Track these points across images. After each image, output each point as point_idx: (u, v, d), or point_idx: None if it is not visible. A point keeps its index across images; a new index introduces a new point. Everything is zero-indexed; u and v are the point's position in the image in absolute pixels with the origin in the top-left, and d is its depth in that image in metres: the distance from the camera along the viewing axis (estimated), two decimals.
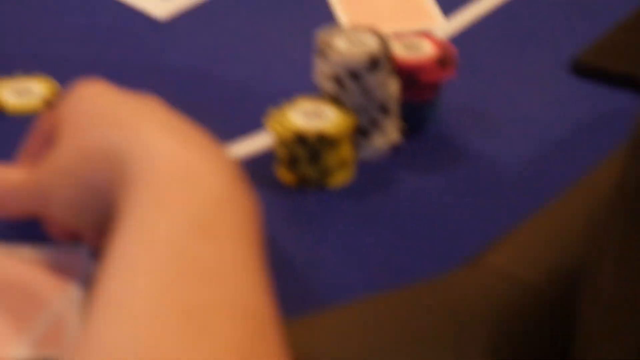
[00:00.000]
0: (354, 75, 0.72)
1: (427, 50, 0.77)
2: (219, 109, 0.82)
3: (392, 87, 0.74)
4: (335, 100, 0.73)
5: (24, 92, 0.81)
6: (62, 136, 0.62)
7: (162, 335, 0.47)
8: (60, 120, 0.64)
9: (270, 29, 0.91)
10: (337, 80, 0.73)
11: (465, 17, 0.91)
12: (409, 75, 0.76)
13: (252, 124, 0.79)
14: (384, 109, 0.74)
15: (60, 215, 0.62)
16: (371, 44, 0.73)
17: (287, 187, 0.73)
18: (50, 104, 0.81)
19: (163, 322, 0.47)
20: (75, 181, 0.60)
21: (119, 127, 0.58)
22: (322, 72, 0.74)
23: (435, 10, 0.92)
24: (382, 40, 0.74)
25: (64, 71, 0.85)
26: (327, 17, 0.92)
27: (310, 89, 0.77)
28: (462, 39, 0.88)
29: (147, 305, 0.48)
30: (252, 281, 0.51)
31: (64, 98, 0.65)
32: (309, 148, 0.71)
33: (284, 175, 0.73)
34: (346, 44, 0.73)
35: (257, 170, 0.69)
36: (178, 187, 0.54)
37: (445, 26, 0.90)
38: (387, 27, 0.87)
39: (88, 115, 0.61)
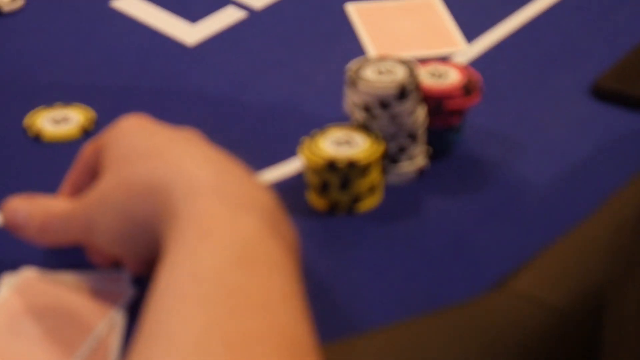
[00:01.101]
0: (383, 104, 0.75)
1: (452, 78, 0.79)
2: (250, 136, 0.84)
3: (419, 115, 0.77)
4: (365, 128, 0.76)
5: (61, 121, 0.84)
6: (106, 168, 0.65)
7: None
8: (103, 152, 0.66)
9: (298, 58, 0.93)
10: (367, 109, 0.75)
11: (486, 41, 0.94)
12: (435, 102, 0.78)
13: (282, 151, 0.81)
14: (411, 136, 0.77)
15: (103, 245, 0.64)
16: (399, 73, 0.76)
17: (318, 212, 0.76)
18: (87, 132, 0.83)
19: (210, 354, 0.49)
20: (119, 213, 0.62)
21: (162, 160, 0.61)
22: (352, 101, 0.76)
23: (457, 36, 0.94)
24: (410, 69, 0.76)
25: (100, 99, 0.88)
26: (353, 44, 0.94)
27: (340, 118, 0.79)
28: (485, 63, 0.91)
29: (195, 337, 0.50)
30: (295, 310, 0.53)
31: (106, 130, 0.68)
32: (340, 174, 0.74)
33: (315, 200, 0.75)
34: (375, 74, 0.76)
35: (288, 195, 0.71)
36: (221, 221, 0.56)
37: (468, 51, 0.92)
38: (410, 53, 0.90)
39: (132, 148, 0.64)
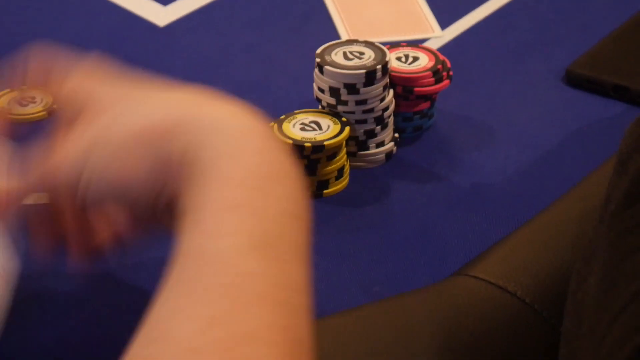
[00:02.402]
0: (351, 88, 0.74)
1: (422, 62, 0.79)
2: None
3: (387, 99, 0.76)
4: (332, 113, 0.75)
5: (27, 101, 0.83)
6: (95, 115, 0.58)
7: None
8: (87, 100, 0.59)
9: (270, 41, 0.92)
10: (335, 94, 0.75)
11: (459, 27, 0.93)
12: (404, 86, 0.78)
13: None
14: (379, 121, 0.76)
15: (96, 194, 0.57)
16: (368, 58, 0.75)
17: None
18: (53, 113, 0.82)
19: (197, 354, 0.45)
20: (131, 149, 0.55)
21: (204, 104, 0.55)
22: (319, 85, 0.75)
23: (432, 21, 0.93)
24: (379, 53, 0.75)
25: None
26: (326, 28, 0.94)
27: (309, 102, 0.78)
28: (457, 48, 0.90)
29: (192, 338, 0.46)
30: (304, 305, 0.49)
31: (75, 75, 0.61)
32: (306, 159, 0.73)
33: None
34: (343, 58, 0.75)
35: None
36: (253, 195, 0.50)
37: (440, 37, 0.92)
38: (384, 38, 0.89)
39: (132, 95, 0.58)
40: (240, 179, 0.50)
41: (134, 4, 0.97)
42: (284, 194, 0.51)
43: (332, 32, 0.93)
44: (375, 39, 0.83)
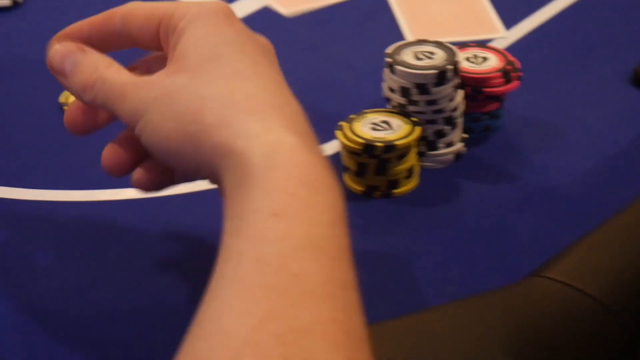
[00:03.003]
0: (422, 89, 0.74)
1: (491, 63, 0.79)
2: None
3: (457, 99, 0.76)
4: (403, 113, 0.75)
5: None
6: (179, 65, 0.59)
7: None
8: (174, 37, 0.60)
9: (333, 38, 0.93)
10: (405, 94, 0.75)
11: (525, 27, 0.93)
12: (473, 87, 0.78)
13: (318, 133, 0.81)
14: (449, 121, 0.76)
15: (144, 140, 0.59)
16: (438, 58, 0.75)
17: (354, 194, 0.75)
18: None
19: (263, 350, 0.47)
20: (185, 129, 0.57)
21: (253, 113, 0.56)
22: (390, 85, 0.76)
23: (496, 21, 0.93)
24: (449, 53, 0.76)
25: None
26: (389, 27, 0.94)
27: (377, 100, 0.79)
28: (523, 49, 0.90)
29: (248, 332, 0.48)
30: (354, 300, 0.51)
31: (181, 10, 0.60)
32: (377, 158, 0.73)
33: (352, 183, 0.75)
34: (414, 58, 0.75)
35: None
36: (298, 199, 0.52)
37: (505, 37, 0.92)
38: (448, 38, 0.89)
39: (218, 59, 0.58)
40: (282, 187, 0.52)
41: None
42: (324, 200, 0.53)
43: (395, 31, 0.93)
44: (439, 39, 0.83)
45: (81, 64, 0.63)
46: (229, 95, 0.57)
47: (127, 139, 0.64)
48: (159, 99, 0.58)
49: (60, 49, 0.64)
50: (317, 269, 0.50)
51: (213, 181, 0.59)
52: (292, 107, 0.59)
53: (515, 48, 0.90)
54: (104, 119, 0.66)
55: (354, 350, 0.49)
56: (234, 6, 0.97)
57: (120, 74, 0.61)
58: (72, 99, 0.83)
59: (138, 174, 0.63)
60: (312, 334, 0.48)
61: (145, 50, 0.65)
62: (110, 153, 0.64)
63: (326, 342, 0.48)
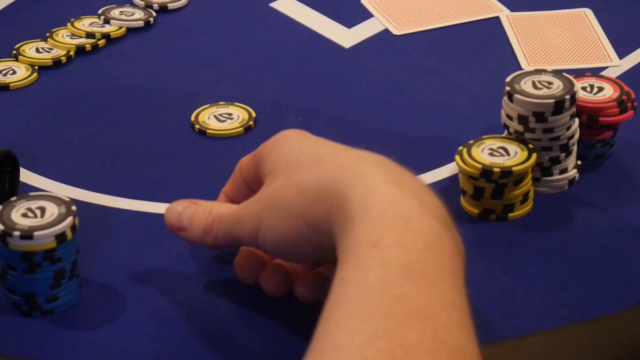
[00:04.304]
0: (539, 116, 0.77)
1: (607, 92, 0.81)
2: (405, 140, 0.87)
3: (573, 128, 0.79)
4: (520, 139, 0.78)
5: (225, 117, 0.88)
6: (271, 174, 0.67)
7: None
8: (264, 160, 0.69)
9: (449, 64, 0.96)
10: (523, 121, 0.78)
11: (638, 57, 0.95)
12: (589, 116, 0.80)
13: (434, 156, 0.84)
14: (564, 148, 0.79)
15: (270, 246, 0.66)
16: (557, 87, 0.78)
17: (470, 217, 0.78)
18: (248, 128, 0.87)
19: None
20: (290, 212, 0.64)
21: (337, 164, 0.63)
22: (508, 112, 0.79)
23: (610, 50, 0.95)
24: (567, 83, 0.78)
25: (259, 98, 0.92)
26: (504, 54, 0.97)
27: (493, 125, 0.81)
28: (635, 78, 0.92)
29: (359, 348, 0.52)
30: (458, 319, 0.55)
31: (265, 143, 0.70)
32: (494, 183, 0.76)
33: (468, 206, 0.78)
34: (532, 87, 0.78)
35: (441, 199, 0.74)
36: (393, 230, 0.58)
37: (618, 66, 0.94)
38: (562, 66, 0.92)
39: (300, 153, 0.66)
40: (378, 222, 0.59)
41: (320, 25, 1.02)
42: (417, 229, 0.58)
43: (510, 58, 0.96)
44: (553, 67, 0.86)
45: (196, 213, 0.70)
46: (322, 168, 0.64)
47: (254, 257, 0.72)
48: (267, 206, 0.66)
49: (174, 207, 0.71)
50: (417, 292, 0.55)
51: (331, 254, 0.64)
52: (375, 155, 0.64)
53: (628, 76, 0.92)
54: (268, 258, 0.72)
55: None
56: (353, 30, 1.01)
57: (230, 207, 0.69)
58: (202, 116, 0.88)
59: (268, 281, 0.70)
60: (418, 351, 0.53)
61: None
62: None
63: (430, 358, 0.52)
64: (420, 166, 0.83)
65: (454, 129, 0.87)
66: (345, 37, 1.00)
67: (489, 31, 1.00)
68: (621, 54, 0.95)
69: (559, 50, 0.96)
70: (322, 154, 0.65)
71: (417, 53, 0.98)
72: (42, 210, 0.68)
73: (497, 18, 1.01)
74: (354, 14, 1.03)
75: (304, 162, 0.65)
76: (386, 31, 1.01)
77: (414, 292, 0.55)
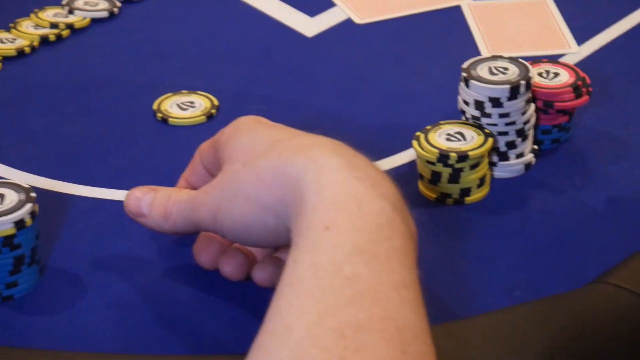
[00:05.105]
0: (495, 102, 0.78)
1: (562, 78, 0.82)
2: (367, 126, 0.88)
3: (529, 113, 0.80)
4: (476, 125, 0.79)
5: (187, 106, 0.89)
6: (229, 160, 0.68)
7: (315, 353, 0.53)
8: (223, 146, 0.70)
9: (412, 52, 0.97)
10: (479, 107, 0.79)
11: (595, 44, 0.96)
12: (544, 101, 0.81)
13: (395, 142, 0.85)
14: (521, 133, 0.80)
15: (228, 230, 0.67)
16: (512, 73, 0.79)
17: (428, 201, 0.79)
18: (211, 117, 0.88)
19: (323, 343, 0.53)
20: (248, 197, 0.65)
21: (295, 150, 0.63)
22: (465, 98, 0.80)
23: (568, 37, 0.97)
24: (522, 69, 0.79)
25: (223, 87, 0.92)
26: (466, 41, 0.98)
27: (452, 112, 0.83)
28: (593, 65, 0.93)
29: (309, 328, 0.54)
30: (408, 298, 0.56)
31: (223, 129, 0.71)
32: (451, 167, 0.77)
33: (426, 190, 0.79)
34: (489, 73, 0.79)
35: (399, 184, 0.75)
36: (345, 212, 0.59)
37: (577, 53, 0.95)
38: (522, 53, 0.93)
39: (257, 140, 0.67)
40: (331, 204, 0.60)
41: (283, 14, 1.02)
42: (370, 210, 0.59)
43: (471, 45, 0.97)
44: (514, 54, 0.87)
45: (155, 199, 0.71)
46: (277, 152, 0.65)
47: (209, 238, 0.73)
48: (224, 191, 0.67)
49: (134, 194, 0.72)
50: (368, 272, 0.56)
51: (288, 238, 0.64)
52: (329, 139, 0.65)
53: (586, 63, 0.93)
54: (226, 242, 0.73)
55: (407, 344, 0.54)
56: (316, 19, 1.02)
57: (189, 193, 0.70)
58: (165, 104, 0.88)
59: (227, 265, 0.71)
60: (367, 329, 0.54)
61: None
62: (200, 249, 0.73)
63: (380, 336, 0.54)
64: (380, 152, 0.84)
65: (415, 116, 0.88)
66: (309, 26, 1.01)
67: (451, 20, 1.01)
68: (580, 41, 0.97)
69: (519, 37, 0.97)
70: (277, 139, 0.66)
71: (379, 41, 0.99)
72: (1, 197, 0.69)
73: (459, 7, 1.02)
74: (317, 3, 1.04)
75: (260, 147, 0.66)
76: (349, 20, 1.02)
77: (365, 272, 0.56)
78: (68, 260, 0.73)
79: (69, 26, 1.00)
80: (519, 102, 0.79)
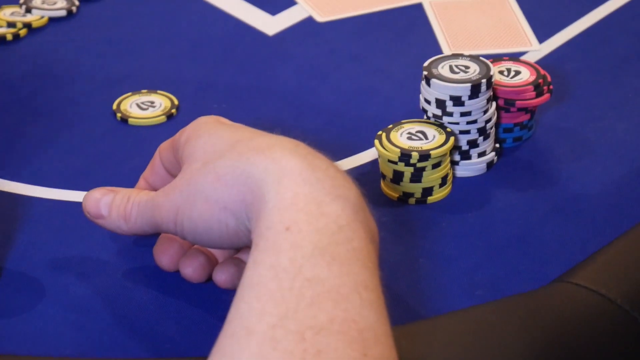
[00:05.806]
0: (457, 100, 0.78)
1: (523, 76, 0.82)
2: (327, 126, 0.87)
3: (490, 111, 0.80)
4: (438, 123, 0.79)
5: (147, 105, 0.88)
6: (189, 160, 0.67)
7: (275, 356, 0.53)
8: (183, 147, 0.69)
9: (373, 50, 0.96)
10: (440, 105, 0.78)
11: (556, 41, 0.96)
12: (506, 99, 0.81)
13: (357, 142, 0.84)
14: (482, 132, 0.80)
15: (188, 232, 0.67)
16: (473, 71, 0.79)
17: (390, 201, 0.79)
18: (170, 116, 0.87)
19: (283, 345, 0.53)
20: (207, 198, 0.64)
21: (255, 151, 0.63)
22: (426, 97, 0.79)
23: (530, 35, 0.97)
24: (483, 67, 0.79)
25: (183, 86, 0.92)
26: (427, 39, 0.98)
27: (414, 110, 0.82)
28: (555, 62, 0.93)
29: (269, 330, 0.54)
30: (370, 300, 0.56)
31: (183, 129, 0.70)
32: (412, 167, 0.77)
33: (388, 190, 0.79)
34: (450, 71, 0.79)
35: (361, 184, 0.75)
36: (305, 213, 0.59)
37: (538, 50, 0.95)
38: (483, 51, 0.93)
39: (217, 139, 0.66)
40: (291, 205, 0.59)
41: (243, 13, 1.02)
42: (330, 211, 0.59)
43: (433, 43, 0.97)
44: (475, 51, 0.87)
45: (115, 200, 0.70)
46: (237, 152, 0.64)
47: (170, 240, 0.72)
48: (184, 192, 0.66)
49: (92, 195, 0.71)
50: (328, 274, 0.56)
51: (248, 239, 0.64)
52: (290, 140, 0.65)
53: (547, 61, 0.93)
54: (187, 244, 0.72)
55: (368, 347, 0.54)
56: (277, 17, 1.01)
57: (148, 194, 0.69)
58: (125, 104, 0.88)
59: (187, 266, 0.71)
60: (328, 331, 0.54)
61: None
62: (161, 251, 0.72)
63: (341, 338, 0.53)
64: (342, 151, 0.83)
65: (376, 115, 0.88)
66: (269, 24, 1.00)
67: (412, 17, 1.01)
68: (541, 38, 0.97)
69: (481, 35, 0.97)
70: (237, 139, 0.65)
71: (340, 40, 0.98)
72: None
73: (420, 4, 1.02)
74: (277, 1, 1.03)
75: (220, 147, 0.65)
76: (310, 18, 1.01)
77: (325, 273, 0.56)
78: (25, 263, 0.72)
79: (27, 25, 0.99)
80: (481, 100, 0.79)
